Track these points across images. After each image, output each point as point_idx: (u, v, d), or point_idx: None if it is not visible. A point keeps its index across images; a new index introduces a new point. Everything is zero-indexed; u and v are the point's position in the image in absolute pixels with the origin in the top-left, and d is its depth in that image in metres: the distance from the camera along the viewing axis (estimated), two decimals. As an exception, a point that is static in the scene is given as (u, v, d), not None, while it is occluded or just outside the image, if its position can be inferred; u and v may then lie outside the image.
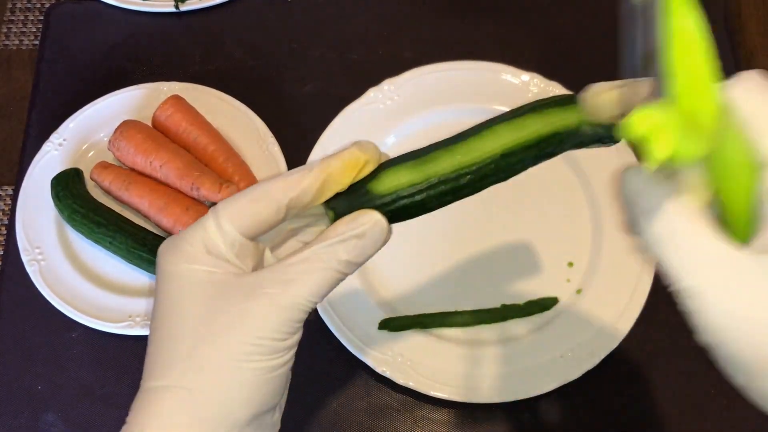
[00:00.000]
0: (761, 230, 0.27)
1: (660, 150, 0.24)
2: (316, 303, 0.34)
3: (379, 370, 0.59)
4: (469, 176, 0.36)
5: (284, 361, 0.34)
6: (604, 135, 0.34)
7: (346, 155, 0.35)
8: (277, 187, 0.34)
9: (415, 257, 0.65)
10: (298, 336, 0.34)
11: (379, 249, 0.35)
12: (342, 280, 0.34)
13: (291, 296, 0.33)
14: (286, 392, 0.36)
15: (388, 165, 0.36)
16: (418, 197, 0.35)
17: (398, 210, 0.35)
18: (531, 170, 0.70)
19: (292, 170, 0.34)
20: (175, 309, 0.33)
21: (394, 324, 0.61)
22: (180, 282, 0.33)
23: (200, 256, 0.33)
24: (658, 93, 0.27)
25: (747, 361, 0.26)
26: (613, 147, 0.37)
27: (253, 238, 0.34)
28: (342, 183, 0.35)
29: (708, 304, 0.27)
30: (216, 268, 0.33)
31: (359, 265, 0.34)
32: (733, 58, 0.75)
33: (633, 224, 0.29)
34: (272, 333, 0.33)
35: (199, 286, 0.33)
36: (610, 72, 0.80)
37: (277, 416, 0.37)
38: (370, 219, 0.34)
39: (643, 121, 0.24)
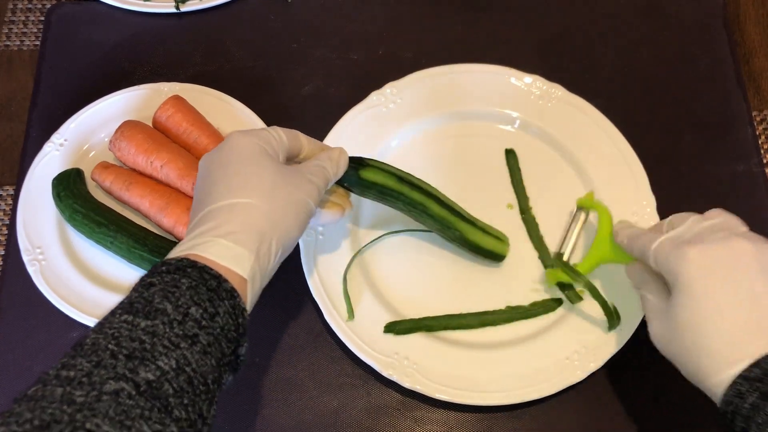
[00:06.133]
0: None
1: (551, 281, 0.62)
2: (323, 191, 0.54)
3: (385, 373, 0.59)
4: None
5: (309, 220, 0.53)
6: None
7: (338, 150, 0.58)
8: (305, 138, 0.56)
9: (419, 260, 0.65)
10: (314, 212, 0.53)
11: (342, 171, 0.57)
12: (330, 182, 0.55)
13: (316, 181, 0.53)
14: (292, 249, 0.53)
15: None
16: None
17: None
18: (537, 174, 0.70)
19: (313, 139, 0.57)
20: (251, 163, 0.50)
21: (399, 327, 0.61)
22: (253, 150, 0.50)
23: (265, 143, 0.51)
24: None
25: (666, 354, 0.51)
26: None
27: (288, 154, 0.55)
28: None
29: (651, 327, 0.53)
30: (273, 155, 0.52)
31: (335, 176, 0.56)
32: (732, 58, 0.75)
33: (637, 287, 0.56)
34: (312, 198, 0.52)
35: (268, 156, 0.51)
36: (609, 72, 0.81)
37: (276, 264, 0.51)
38: (342, 150, 0.57)
39: (551, 276, 0.62)
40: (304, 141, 0.56)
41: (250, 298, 0.47)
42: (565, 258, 0.63)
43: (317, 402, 0.61)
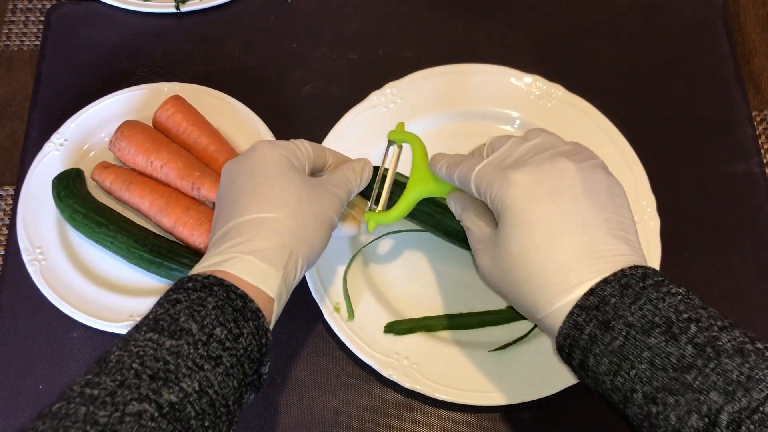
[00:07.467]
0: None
1: (370, 226, 0.57)
2: (345, 203, 0.54)
3: (385, 373, 0.59)
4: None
5: (331, 234, 0.53)
6: None
7: (363, 162, 0.58)
8: (330, 152, 0.56)
9: (419, 260, 0.65)
10: (336, 225, 0.53)
11: (366, 183, 0.56)
12: (352, 193, 0.55)
13: (339, 194, 0.53)
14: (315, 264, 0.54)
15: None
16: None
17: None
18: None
19: (338, 152, 0.58)
20: (277, 176, 0.50)
21: (399, 327, 0.61)
22: (279, 161, 0.51)
23: (291, 155, 0.52)
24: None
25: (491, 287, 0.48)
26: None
27: (313, 167, 0.55)
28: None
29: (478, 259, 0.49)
30: (299, 167, 0.52)
31: (358, 187, 0.56)
32: (732, 58, 0.75)
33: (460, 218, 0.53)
34: (334, 212, 0.52)
35: (294, 169, 0.51)
36: (609, 72, 0.81)
37: (299, 279, 0.51)
38: (367, 162, 0.57)
39: (369, 217, 0.57)
40: (329, 155, 0.56)
41: (274, 315, 0.47)
42: (383, 198, 0.58)
43: (317, 402, 0.61)
